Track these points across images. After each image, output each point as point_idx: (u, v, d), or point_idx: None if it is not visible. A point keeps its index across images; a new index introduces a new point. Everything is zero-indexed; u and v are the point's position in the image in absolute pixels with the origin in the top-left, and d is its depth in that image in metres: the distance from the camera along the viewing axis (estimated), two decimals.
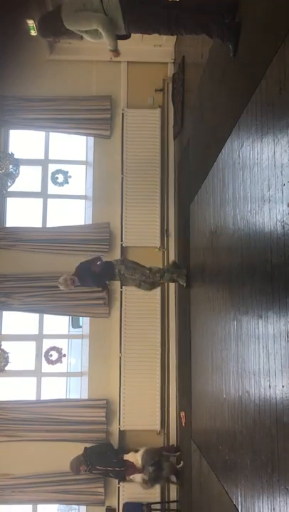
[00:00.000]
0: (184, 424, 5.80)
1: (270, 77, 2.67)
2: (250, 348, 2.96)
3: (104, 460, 6.10)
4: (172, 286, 6.75)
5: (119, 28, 3.75)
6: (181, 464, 5.82)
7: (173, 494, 6.41)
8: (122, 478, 6.16)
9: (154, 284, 5.61)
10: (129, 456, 6.00)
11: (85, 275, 5.40)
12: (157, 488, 6.29)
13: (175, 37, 6.94)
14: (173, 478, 6.03)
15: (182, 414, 5.89)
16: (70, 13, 3.65)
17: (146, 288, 5.57)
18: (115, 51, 3.90)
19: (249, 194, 3.05)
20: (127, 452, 6.21)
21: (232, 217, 3.48)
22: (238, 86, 3.43)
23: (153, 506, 6.21)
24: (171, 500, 6.40)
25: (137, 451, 5.99)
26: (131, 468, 6.06)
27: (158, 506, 6.31)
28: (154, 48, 7.14)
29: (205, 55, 4.65)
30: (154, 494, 6.32)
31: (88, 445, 6.30)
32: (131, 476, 6.06)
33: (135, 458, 5.92)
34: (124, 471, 6.06)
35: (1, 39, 6.71)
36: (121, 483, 6.31)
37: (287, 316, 2.33)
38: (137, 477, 6.02)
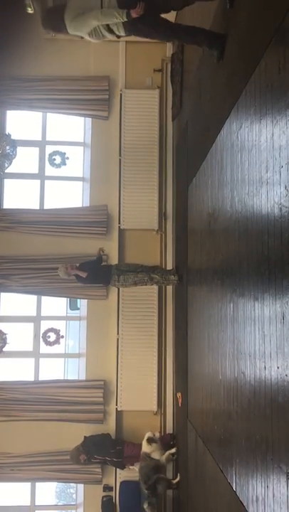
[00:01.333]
0: (180, 405, 5.87)
1: (269, 57, 2.64)
2: (246, 330, 2.98)
3: (102, 450, 6.19)
4: (170, 267, 6.76)
5: (119, 29, 3.88)
6: (178, 479, 5.74)
7: (169, 473, 6.51)
8: (122, 467, 6.26)
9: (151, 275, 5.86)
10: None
11: (84, 267, 5.76)
12: None
13: (175, 16, 6.83)
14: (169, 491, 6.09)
15: (179, 394, 5.96)
16: (71, 20, 3.84)
17: (144, 279, 5.81)
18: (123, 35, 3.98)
19: (247, 176, 3.04)
20: (124, 444, 6.30)
21: (230, 200, 3.47)
22: (236, 67, 3.40)
23: None
24: None
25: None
26: (129, 458, 6.13)
27: None
28: None
29: None
30: None
31: (87, 433, 6.38)
32: (131, 467, 6.14)
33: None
34: (122, 462, 6.14)
35: None
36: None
37: (283, 299, 2.34)
38: (137, 466, 6.10)
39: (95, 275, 5.80)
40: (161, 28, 3.91)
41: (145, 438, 5.86)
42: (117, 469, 6.42)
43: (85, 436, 6.30)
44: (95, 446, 6.21)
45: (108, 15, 3.72)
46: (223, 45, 3.72)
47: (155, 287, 6.67)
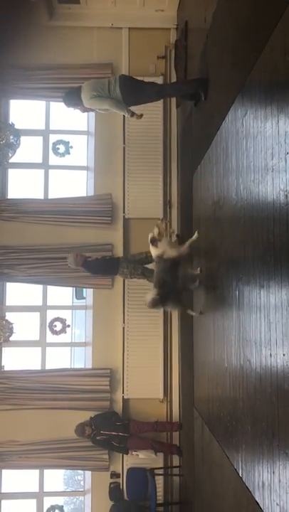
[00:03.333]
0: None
1: (274, 42, 2.61)
2: (252, 318, 2.98)
3: (108, 424, 6.26)
4: None
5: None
6: (199, 271, 4.62)
7: (175, 460, 6.58)
8: (125, 450, 6.30)
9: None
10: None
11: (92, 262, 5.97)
12: (160, 455, 6.46)
13: (178, 1, 6.76)
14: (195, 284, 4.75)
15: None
16: (86, 98, 5.03)
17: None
18: (135, 116, 5.12)
19: (252, 163, 3.02)
20: (131, 420, 6.36)
21: (235, 187, 3.45)
22: (241, 52, 3.36)
23: (156, 471, 6.37)
24: (173, 465, 6.57)
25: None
26: (134, 438, 6.20)
27: (161, 471, 6.48)
28: (155, 13, 6.97)
29: (208, 19, 4.52)
30: (157, 460, 6.48)
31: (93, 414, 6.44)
32: (134, 453, 6.19)
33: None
34: (128, 439, 6.19)
35: None
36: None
37: None
38: (141, 453, 6.15)
39: (103, 264, 5.92)
40: (153, 96, 5.18)
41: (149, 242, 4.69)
42: (124, 456, 6.47)
43: (91, 417, 6.35)
44: (102, 421, 6.29)
45: (119, 109, 5.02)
46: (206, 87, 4.57)
47: None
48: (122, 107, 5.02)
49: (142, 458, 6.24)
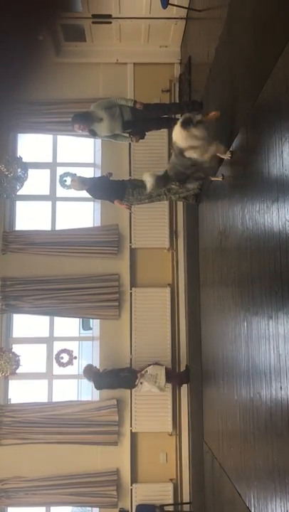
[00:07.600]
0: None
1: (276, 75, 2.66)
2: (261, 349, 2.94)
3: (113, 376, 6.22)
4: (182, 285, 6.74)
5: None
6: (220, 178, 4.04)
7: (186, 496, 6.39)
8: (133, 381, 6.10)
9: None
10: None
11: (96, 181, 5.83)
12: (170, 489, 6.28)
13: (181, 37, 6.95)
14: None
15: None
16: (98, 109, 5.45)
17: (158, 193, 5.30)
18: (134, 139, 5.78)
19: (257, 194, 3.03)
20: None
21: (240, 218, 3.46)
22: (244, 86, 3.42)
23: (166, 508, 6.19)
24: (184, 502, 6.38)
25: None
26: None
27: (171, 508, 6.30)
28: (160, 49, 7.15)
29: (211, 54, 4.63)
30: (167, 496, 6.31)
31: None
32: (141, 380, 6.04)
33: None
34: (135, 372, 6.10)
35: (8, 43, 6.75)
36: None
37: None
38: (145, 384, 6.03)
39: (108, 189, 5.52)
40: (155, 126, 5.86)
41: (179, 123, 3.79)
42: (132, 490, 6.27)
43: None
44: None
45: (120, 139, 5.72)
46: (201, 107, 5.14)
47: (168, 304, 6.65)
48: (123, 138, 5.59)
49: (145, 390, 6.06)
